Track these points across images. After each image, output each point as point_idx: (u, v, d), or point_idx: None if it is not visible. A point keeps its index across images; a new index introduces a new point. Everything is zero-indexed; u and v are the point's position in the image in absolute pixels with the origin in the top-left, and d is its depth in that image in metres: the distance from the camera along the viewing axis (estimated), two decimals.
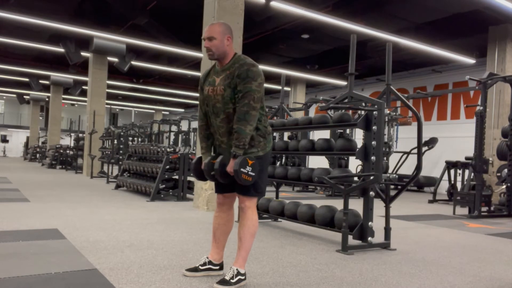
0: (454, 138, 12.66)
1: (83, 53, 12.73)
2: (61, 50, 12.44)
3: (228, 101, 2.63)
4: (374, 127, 3.95)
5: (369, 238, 3.97)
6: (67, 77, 18.16)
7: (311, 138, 7.19)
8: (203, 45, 2.72)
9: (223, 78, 2.67)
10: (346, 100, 4.75)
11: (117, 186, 9.01)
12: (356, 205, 4.66)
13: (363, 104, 4.55)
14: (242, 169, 2.56)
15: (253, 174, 2.61)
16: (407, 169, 10.53)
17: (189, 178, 7.55)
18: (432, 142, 10.82)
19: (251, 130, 2.58)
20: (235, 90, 2.60)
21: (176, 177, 7.48)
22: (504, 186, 7.37)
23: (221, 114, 2.68)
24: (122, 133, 13.11)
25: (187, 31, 11.41)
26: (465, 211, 7.54)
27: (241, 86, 2.57)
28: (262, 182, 2.75)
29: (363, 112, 4.19)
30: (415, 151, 5.97)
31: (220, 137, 2.76)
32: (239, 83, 2.58)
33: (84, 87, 18.06)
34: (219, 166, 2.66)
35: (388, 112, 9.65)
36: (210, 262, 2.89)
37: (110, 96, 20.12)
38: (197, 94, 18.97)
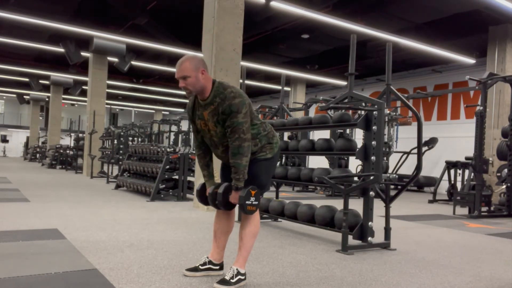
0: (454, 138, 12.66)
1: (83, 53, 12.73)
2: (61, 50, 12.44)
3: (221, 136, 2.67)
4: (374, 127, 3.95)
5: (369, 238, 3.97)
6: (67, 77, 18.16)
7: (311, 138, 7.19)
8: (179, 85, 2.61)
9: (210, 113, 2.63)
10: (346, 100, 4.75)
11: (117, 186, 9.01)
12: (356, 205, 4.66)
13: (363, 104, 4.55)
14: (247, 202, 2.62)
15: (257, 203, 2.67)
16: (407, 169, 10.54)
17: (189, 178, 7.55)
18: (432, 142, 10.82)
19: (247, 161, 2.61)
20: (224, 125, 2.61)
21: (176, 177, 7.48)
22: (504, 186, 7.37)
23: (220, 147, 2.74)
24: (122, 133, 13.12)
25: (187, 31, 11.41)
26: (465, 211, 7.53)
27: (229, 122, 2.57)
28: (268, 181, 2.83)
29: (363, 112, 4.19)
30: (415, 151, 5.98)
31: (227, 162, 2.78)
32: (225, 119, 2.58)
33: (84, 87, 18.06)
34: (222, 196, 2.70)
35: (388, 112, 9.66)
36: (210, 262, 2.89)
37: (110, 96, 20.12)
38: None
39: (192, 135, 16.73)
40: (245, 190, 2.63)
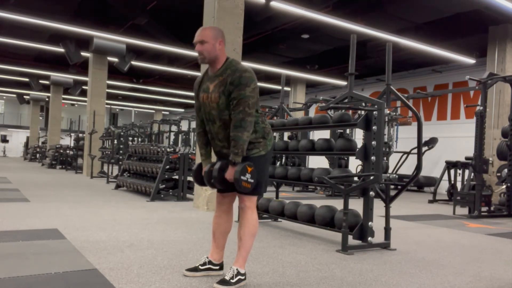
0: (454, 138, 12.66)
1: (83, 53, 12.73)
2: (61, 50, 12.44)
3: (223, 108, 2.63)
4: (374, 127, 3.95)
5: (369, 238, 3.97)
6: (67, 77, 18.16)
7: (311, 138, 7.19)
8: (195, 49, 2.71)
9: (217, 84, 2.65)
10: (346, 100, 4.75)
11: (117, 186, 9.01)
12: (356, 205, 4.66)
13: (363, 104, 4.55)
14: (242, 177, 2.56)
15: (252, 181, 2.61)
16: (407, 169, 10.53)
17: (189, 178, 7.55)
18: (432, 142, 10.82)
19: (248, 136, 2.58)
20: (229, 98, 2.59)
21: (176, 177, 7.48)
22: (504, 186, 7.37)
23: (218, 121, 2.68)
24: (122, 133, 13.13)
25: (187, 31, 11.40)
26: (465, 211, 7.53)
27: (235, 93, 2.56)
28: (263, 181, 2.77)
29: (363, 112, 4.19)
30: (415, 151, 5.97)
31: (219, 142, 2.75)
32: (232, 90, 2.57)
33: (84, 87, 18.06)
34: (218, 172, 2.65)
35: (388, 112, 9.66)
36: (210, 262, 2.89)
37: (110, 96, 20.11)
38: None
39: (192, 135, 16.74)
40: (242, 165, 2.57)
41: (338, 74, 14.35)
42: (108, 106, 26.78)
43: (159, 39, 11.30)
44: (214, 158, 2.90)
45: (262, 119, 2.76)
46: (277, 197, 5.52)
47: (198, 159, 2.74)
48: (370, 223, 3.98)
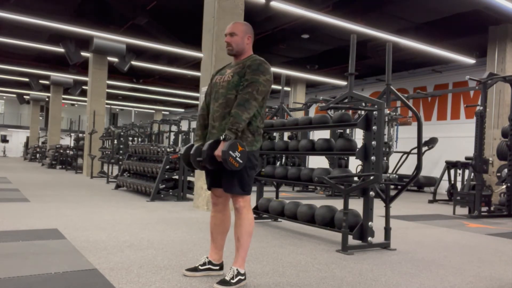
0: (454, 138, 12.66)
1: (83, 53, 12.73)
2: (61, 50, 12.44)
3: (232, 87, 2.70)
4: (374, 127, 3.95)
5: (369, 238, 3.97)
6: (67, 77, 18.16)
7: (311, 138, 7.19)
8: (225, 40, 2.83)
9: (236, 69, 2.76)
10: (346, 100, 4.75)
11: (117, 186, 9.01)
12: (356, 205, 4.66)
13: (363, 104, 4.55)
14: (230, 152, 2.49)
15: (241, 161, 2.54)
16: (407, 169, 10.54)
17: (189, 178, 7.55)
18: (432, 142, 10.82)
19: (247, 117, 2.60)
20: (242, 79, 2.67)
21: (176, 177, 7.48)
22: (504, 186, 7.37)
23: (221, 99, 2.72)
24: (122, 133, 13.11)
25: (187, 31, 11.41)
26: (465, 211, 7.53)
27: (249, 76, 2.65)
28: (249, 180, 2.72)
29: (363, 112, 4.19)
30: (415, 151, 5.97)
31: (213, 121, 2.76)
32: (247, 73, 2.66)
33: (84, 87, 18.06)
34: (207, 148, 2.59)
35: (388, 112, 9.66)
36: (210, 262, 2.89)
37: (110, 96, 20.12)
38: (197, 94, 18.97)
39: (192, 135, 16.73)
40: (233, 140, 2.52)
41: (338, 74, 14.35)
42: (108, 106, 26.79)
43: (159, 39, 11.30)
44: None
45: (260, 119, 2.76)
46: (277, 197, 5.52)
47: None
48: (370, 223, 3.98)
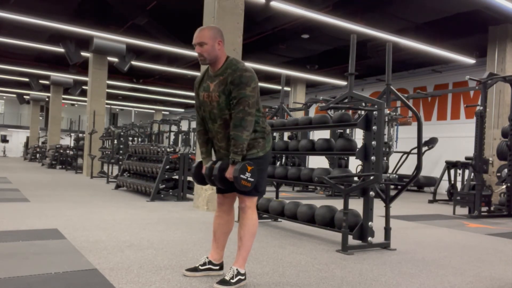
0: (454, 138, 12.66)
1: (83, 53, 12.73)
2: (61, 50, 12.44)
3: (223, 107, 2.63)
4: (374, 127, 3.95)
5: (369, 238, 3.97)
6: (67, 77, 18.16)
7: (311, 138, 7.19)
8: (195, 51, 2.71)
9: (217, 84, 2.65)
10: (346, 100, 4.75)
11: (117, 186, 9.01)
12: (356, 205, 4.65)
13: (363, 104, 4.55)
14: (241, 175, 2.57)
15: (252, 180, 2.61)
16: (407, 169, 10.53)
17: (189, 178, 7.55)
18: (432, 142, 10.82)
19: (248, 136, 2.59)
20: (230, 97, 2.60)
21: (176, 177, 7.48)
22: (504, 186, 7.37)
23: (218, 120, 2.69)
24: (122, 133, 13.12)
25: (187, 31, 11.40)
26: (465, 211, 7.53)
27: (235, 93, 2.57)
28: (262, 182, 2.76)
29: (363, 112, 4.19)
30: (415, 151, 5.97)
31: (218, 142, 2.76)
32: (233, 90, 2.57)
33: (84, 87, 18.06)
34: (218, 171, 2.66)
35: (388, 112, 9.66)
36: (210, 262, 2.89)
37: (110, 96, 20.11)
38: None
39: (192, 135, 16.74)
40: (241, 163, 2.58)
41: (338, 74, 14.34)
42: (108, 106, 26.78)
43: (159, 39, 11.30)
44: (214, 157, 2.89)
45: (263, 119, 2.76)
46: (277, 197, 5.52)
47: (198, 159, 2.74)
48: (370, 223, 3.98)
